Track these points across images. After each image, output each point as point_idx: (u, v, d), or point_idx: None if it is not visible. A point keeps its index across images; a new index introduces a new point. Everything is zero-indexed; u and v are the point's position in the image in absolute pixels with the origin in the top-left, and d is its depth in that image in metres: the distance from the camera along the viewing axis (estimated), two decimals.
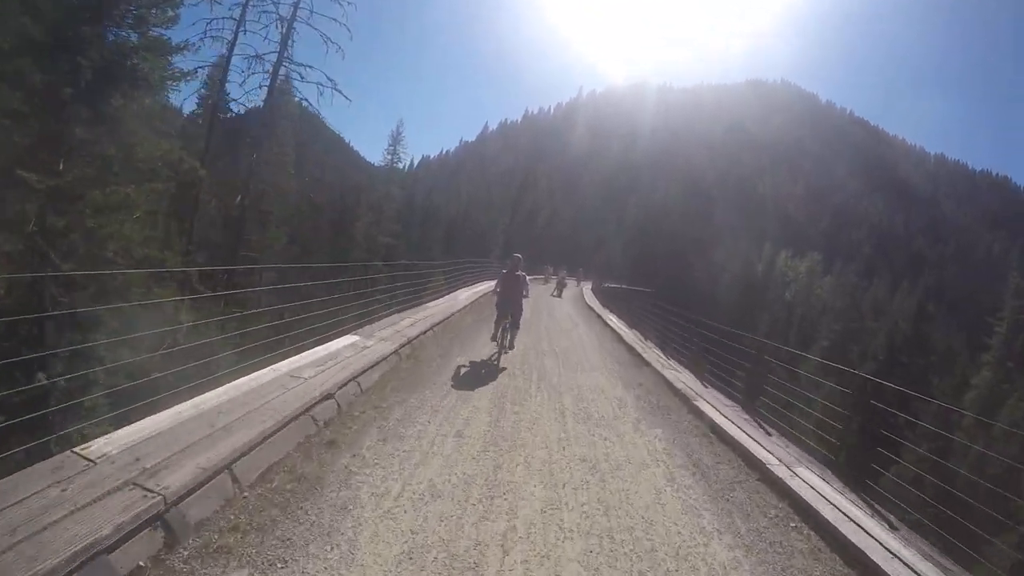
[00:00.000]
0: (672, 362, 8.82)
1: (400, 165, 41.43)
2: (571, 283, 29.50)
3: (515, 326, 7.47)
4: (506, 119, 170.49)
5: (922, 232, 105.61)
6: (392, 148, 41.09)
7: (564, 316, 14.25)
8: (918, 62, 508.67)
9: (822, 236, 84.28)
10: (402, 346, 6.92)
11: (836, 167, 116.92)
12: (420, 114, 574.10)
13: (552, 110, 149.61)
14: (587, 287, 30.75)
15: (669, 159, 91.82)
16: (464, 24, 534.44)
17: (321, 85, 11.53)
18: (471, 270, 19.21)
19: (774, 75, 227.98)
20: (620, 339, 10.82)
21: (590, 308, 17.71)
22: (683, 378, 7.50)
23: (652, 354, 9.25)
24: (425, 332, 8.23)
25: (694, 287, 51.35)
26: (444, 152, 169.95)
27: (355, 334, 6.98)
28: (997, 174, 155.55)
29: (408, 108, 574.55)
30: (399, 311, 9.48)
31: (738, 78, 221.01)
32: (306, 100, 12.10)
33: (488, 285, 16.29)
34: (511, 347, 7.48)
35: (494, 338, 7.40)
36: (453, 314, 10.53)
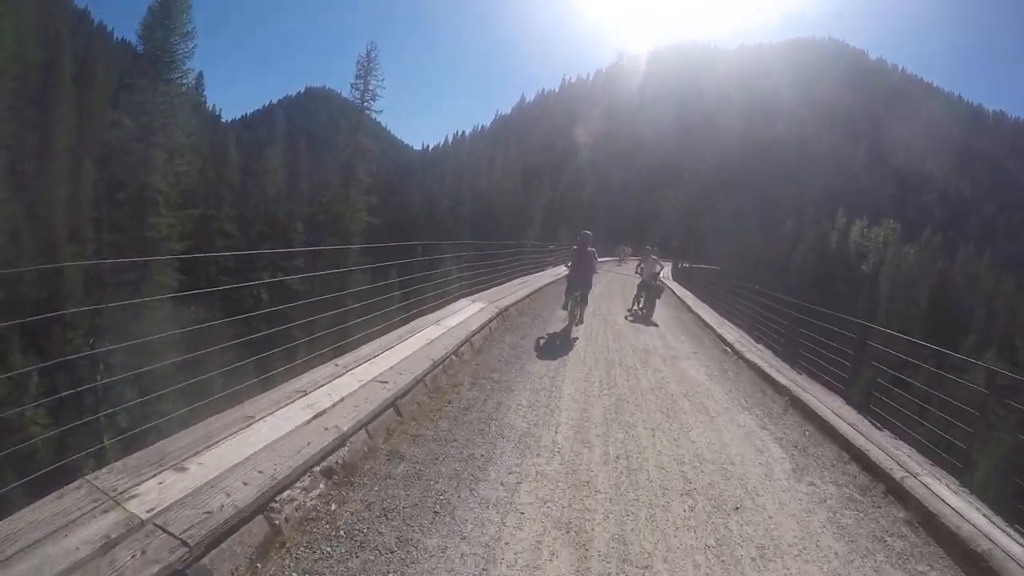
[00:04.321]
0: None
1: (376, 104, 28.18)
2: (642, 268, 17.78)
3: (584, 300, 7.84)
4: (543, 89, 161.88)
5: (989, 196, 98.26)
6: (362, 82, 27.79)
7: None
8: (963, 12, 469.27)
9: (891, 201, 78.90)
10: None
11: (894, 128, 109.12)
12: (455, 90, 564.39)
13: (591, 77, 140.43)
14: (666, 273, 24.27)
15: (720, 123, 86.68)
16: None
17: None
18: (457, 270, 9.60)
19: (820, 32, 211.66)
20: None
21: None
22: None
23: None
24: None
25: (767, 261, 48.17)
26: (479, 127, 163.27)
27: None
28: None
29: (445, 85, 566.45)
30: None
31: (780, 37, 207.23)
32: None
33: (469, 312, 7.96)
34: (581, 321, 7.92)
35: (565, 307, 7.80)
36: None
